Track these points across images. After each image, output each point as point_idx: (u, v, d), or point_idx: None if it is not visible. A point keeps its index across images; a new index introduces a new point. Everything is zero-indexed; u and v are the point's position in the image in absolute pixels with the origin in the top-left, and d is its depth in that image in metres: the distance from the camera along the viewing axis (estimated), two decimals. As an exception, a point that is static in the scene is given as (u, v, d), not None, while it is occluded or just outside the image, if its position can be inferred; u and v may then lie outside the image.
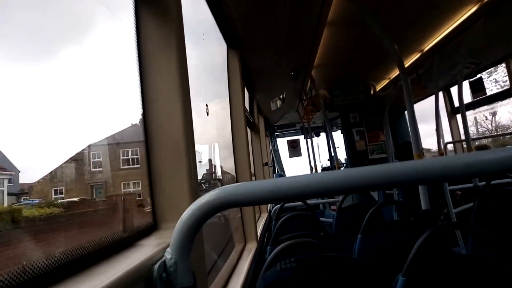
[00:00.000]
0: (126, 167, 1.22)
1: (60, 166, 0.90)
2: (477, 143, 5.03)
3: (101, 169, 1.06)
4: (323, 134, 7.99)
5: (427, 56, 3.33)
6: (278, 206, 3.42)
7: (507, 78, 3.65)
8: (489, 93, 3.97)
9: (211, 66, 2.57)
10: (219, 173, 2.84)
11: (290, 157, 7.78)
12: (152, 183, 0.93)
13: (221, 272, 1.75)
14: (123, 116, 1.14)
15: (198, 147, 1.09)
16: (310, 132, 6.62)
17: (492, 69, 3.90)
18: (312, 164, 6.73)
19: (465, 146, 3.53)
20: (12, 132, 0.68)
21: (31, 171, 0.85)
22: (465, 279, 1.05)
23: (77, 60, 0.90)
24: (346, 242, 2.28)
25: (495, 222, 2.17)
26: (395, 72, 4.01)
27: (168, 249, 0.56)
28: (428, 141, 8.42)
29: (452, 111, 4.81)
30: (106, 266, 0.64)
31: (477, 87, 3.98)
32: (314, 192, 0.53)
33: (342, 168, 4.89)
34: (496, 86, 4.04)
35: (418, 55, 3.38)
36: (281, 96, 4.35)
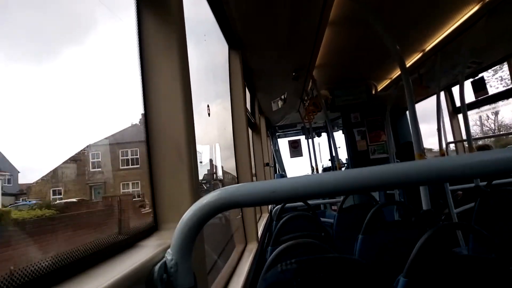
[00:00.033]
0: (125, 167, 1.22)
1: (59, 167, 0.89)
2: (479, 142, 5.02)
3: (100, 169, 1.05)
4: (324, 134, 7.98)
5: (428, 55, 3.32)
6: (279, 206, 3.42)
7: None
8: (495, 91, 3.97)
9: (212, 66, 2.57)
10: (220, 173, 2.84)
11: (291, 157, 7.78)
12: (153, 183, 0.92)
13: (221, 273, 1.75)
14: (123, 116, 1.14)
15: (199, 148, 1.09)
16: (311, 132, 6.62)
17: (497, 66, 3.88)
18: (313, 164, 6.73)
19: (466, 146, 3.52)
20: (12, 132, 0.68)
21: (31, 171, 0.85)
22: (466, 279, 1.04)
23: (77, 60, 0.90)
24: (347, 242, 2.27)
25: (496, 222, 2.16)
26: (397, 72, 4.00)
27: (169, 250, 0.55)
28: (430, 141, 8.46)
29: (454, 111, 4.80)
30: (107, 267, 0.63)
31: (479, 87, 3.97)
32: (315, 193, 0.53)
33: (343, 168, 4.89)
34: (501, 83, 4.03)
35: (420, 54, 3.37)
36: (282, 97, 4.35)
